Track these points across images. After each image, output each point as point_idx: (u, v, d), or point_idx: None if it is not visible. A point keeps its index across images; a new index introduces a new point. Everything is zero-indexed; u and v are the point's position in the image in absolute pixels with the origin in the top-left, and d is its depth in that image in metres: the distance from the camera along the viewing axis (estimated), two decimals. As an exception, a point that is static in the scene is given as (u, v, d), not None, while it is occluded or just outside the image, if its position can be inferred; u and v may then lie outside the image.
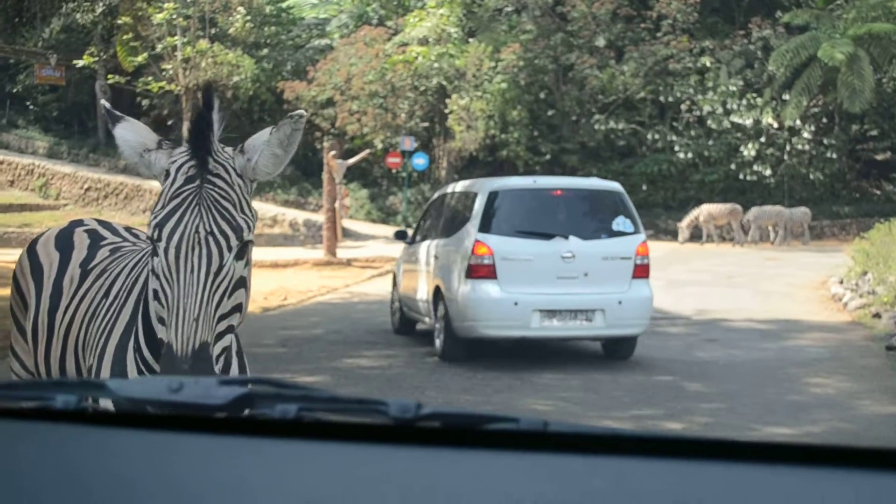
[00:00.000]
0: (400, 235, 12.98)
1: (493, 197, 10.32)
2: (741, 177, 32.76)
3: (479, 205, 10.30)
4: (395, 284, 13.20)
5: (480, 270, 9.98)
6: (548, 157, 33.15)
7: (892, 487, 1.19)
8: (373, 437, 1.42)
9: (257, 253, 20.39)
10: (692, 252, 26.55)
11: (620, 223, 10.32)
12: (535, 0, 34.21)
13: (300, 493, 1.27)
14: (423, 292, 11.36)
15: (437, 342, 10.74)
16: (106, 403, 2.12)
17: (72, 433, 1.48)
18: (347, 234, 27.37)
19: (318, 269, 21.88)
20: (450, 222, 11.14)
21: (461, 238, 10.42)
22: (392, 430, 1.40)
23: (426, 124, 33.66)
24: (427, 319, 11.27)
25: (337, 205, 23.48)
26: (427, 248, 11.50)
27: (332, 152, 22.18)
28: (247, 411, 1.46)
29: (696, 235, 29.64)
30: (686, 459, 1.28)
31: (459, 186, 11.86)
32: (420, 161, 30.56)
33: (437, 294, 10.74)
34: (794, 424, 7.46)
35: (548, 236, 10.11)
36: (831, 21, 32.83)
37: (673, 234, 30.18)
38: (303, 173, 34.96)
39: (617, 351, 10.76)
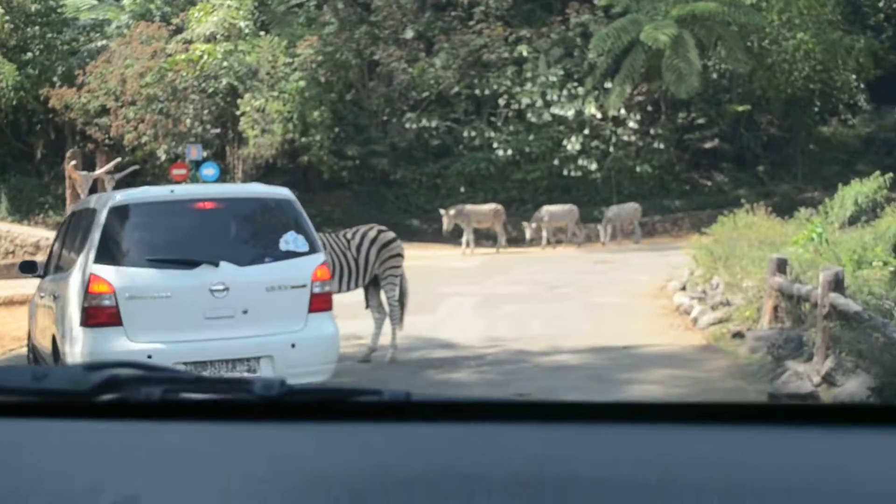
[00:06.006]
0: (27, 267, 10.17)
1: (116, 214, 7.95)
2: (565, 173, 30.97)
3: (97, 226, 7.84)
4: (30, 329, 10.66)
5: (99, 315, 7.65)
6: (356, 161, 30.20)
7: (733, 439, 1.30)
8: (244, 416, 1.44)
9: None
10: (513, 259, 23.69)
11: (291, 241, 8.16)
12: (335, -10, 31.35)
13: (166, 472, 1.29)
14: (46, 341, 8.84)
15: None
16: None
17: None
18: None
19: (63, 306, 17.96)
20: (70, 250, 8.64)
21: (76, 272, 7.95)
22: (262, 408, 1.45)
23: (217, 130, 30.34)
24: None
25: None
26: (50, 285, 9.08)
27: (73, 162, 18.26)
28: (112, 395, 1.48)
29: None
30: (546, 422, 1.37)
31: (82, 203, 9.57)
32: (210, 171, 26.74)
33: (56, 346, 8.24)
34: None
35: (191, 264, 7.86)
36: (652, 3, 31.34)
37: (493, 240, 27.37)
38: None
39: None
